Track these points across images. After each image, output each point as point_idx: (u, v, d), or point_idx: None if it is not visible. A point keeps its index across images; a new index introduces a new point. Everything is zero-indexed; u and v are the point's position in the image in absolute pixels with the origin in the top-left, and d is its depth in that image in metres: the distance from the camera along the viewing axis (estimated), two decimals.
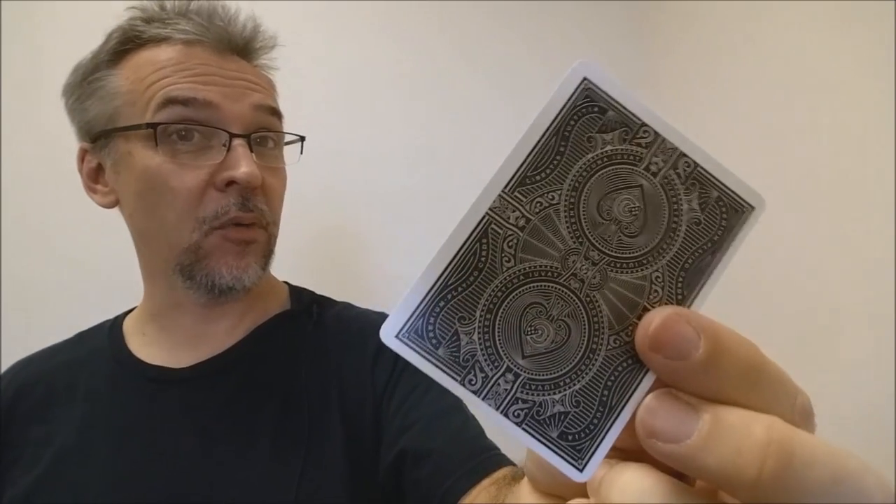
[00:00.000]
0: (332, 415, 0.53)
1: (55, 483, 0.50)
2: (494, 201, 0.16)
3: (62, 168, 0.95)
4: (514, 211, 0.16)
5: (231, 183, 0.51)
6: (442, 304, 0.16)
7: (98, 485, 0.49)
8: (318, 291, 0.68)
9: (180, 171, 0.50)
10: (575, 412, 0.16)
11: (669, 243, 0.17)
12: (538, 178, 0.16)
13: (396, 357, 0.49)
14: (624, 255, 0.17)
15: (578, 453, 0.16)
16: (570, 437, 0.16)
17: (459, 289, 0.16)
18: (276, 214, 0.57)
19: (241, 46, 0.56)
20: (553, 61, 1.14)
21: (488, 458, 0.47)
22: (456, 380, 0.16)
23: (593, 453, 0.16)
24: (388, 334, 0.16)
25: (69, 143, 0.97)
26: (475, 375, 0.16)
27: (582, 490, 0.17)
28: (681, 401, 0.15)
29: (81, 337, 0.62)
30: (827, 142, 0.78)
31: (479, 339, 0.16)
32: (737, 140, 0.95)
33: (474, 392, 0.16)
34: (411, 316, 0.16)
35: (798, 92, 0.83)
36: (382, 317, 0.55)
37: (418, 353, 0.16)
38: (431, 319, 0.16)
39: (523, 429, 0.16)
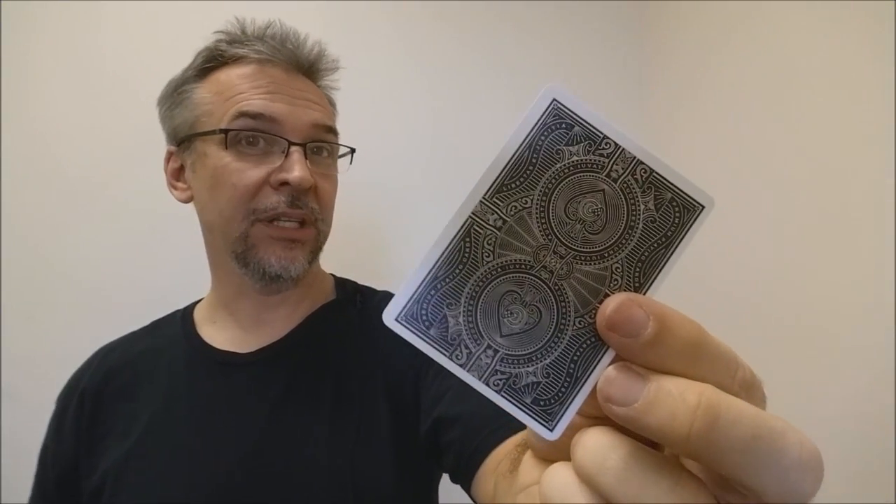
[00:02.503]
0: (378, 390, 0.61)
1: (146, 451, 0.58)
2: (476, 206, 0.19)
3: (62, 169, 1.00)
4: (492, 214, 0.19)
5: (285, 184, 0.58)
6: (433, 292, 0.19)
7: (180, 453, 0.57)
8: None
9: (243, 170, 0.58)
10: (546, 382, 0.19)
11: (628, 239, 0.20)
12: (514, 185, 0.19)
13: None
14: (587, 250, 0.20)
15: (549, 416, 0.19)
16: (541, 403, 0.19)
17: (447, 280, 0.19)
18: (327, 213, 0.64)
19: (307, 67, 0.64)
20: (554, 62, 1.15)
21: (512, 419, 0.51)
22: (445, 355, 0.19)
23: (562, 416, 0.19)
24: (389, 317, 0.19)
25: (68, 142, 1.00)
26: (461, 351, 0.19)
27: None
28: (633, 371, 0.18)
29: (156, 325, 0.71)
30: (827, 141, 0.78)
31: (464, 321, 0.19)
32: (736, 140, 0.95)
33: (460, 365, 0.19)
34: (407, 302, 0.19)
35: (798, 91, 0.83)
36: None
37: (413, 332, 0.19)
38: (424, 305, 0.19)
39: (502, 396, 0.19)
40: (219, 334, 0.65)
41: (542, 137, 0.19)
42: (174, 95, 0.63)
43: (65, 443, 0.63)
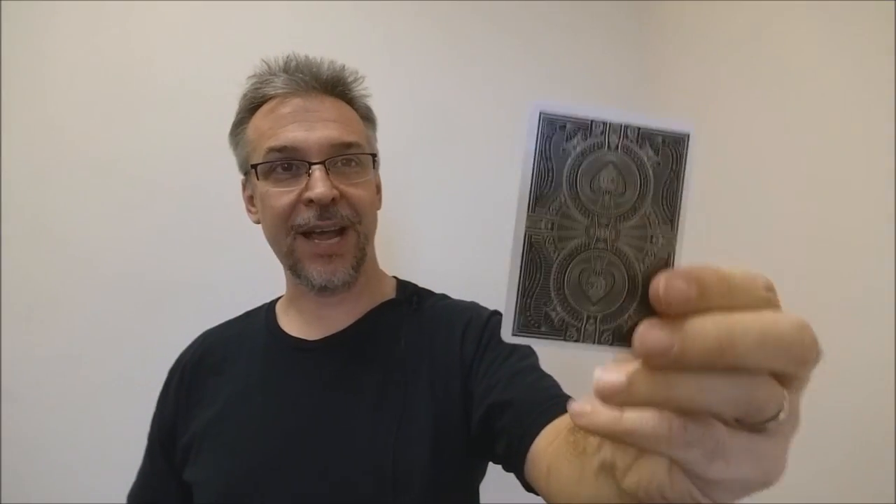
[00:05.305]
0: (423, 382, 0.69)
1: (226, 418, 0.70)
2: (526, 222, 0.23)
3: (62, 169, 1.01)
4: (541, 221, 0.23)
5: (311, 201, 0.66)
6: (528, 301, 0.23)
7: (254, 421, 0.69)
8: None
9: (279, 195, 0.68)
10: (641, 318, 0.22)
11: (647, 187, 0.23)
12: (545, 192, 0.23)
13: (481, 335, 0.72)
14: (622, 210, 0.23)
15: None
16: None
17: (534, 286, 0.23)
18: (364, 216, 0.72)
19: (326, 88, 0.72)
20: (553, 63, 1.18)
21: (559, 402, 0.56)
22: (560, 340, 0.23)
23: None
24: (506, 335, 0.23)
25: (69, 143, 1.04)
26: (570, 332, 0.23)
27: None
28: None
29: (248, 315, 0.84)
30: (827, 141, 0.78)
31: (561, 308, 0.22)
32: (736, 140, 0.95)
33: (575, 341, 0.23)
34: (514, 318, 0.23)
35: (798, 92, 0.84)
36: (471, 304, 0.78)
37: (530, 337, 0.23)
38: (527, 313, 0.23)
39: (616, 345, 0.23)
40: (291, 324, 0.77)
41: (546, 145, 0.23)
42: (233, 135, 0.75)
43: (168, 409, 0.76)
